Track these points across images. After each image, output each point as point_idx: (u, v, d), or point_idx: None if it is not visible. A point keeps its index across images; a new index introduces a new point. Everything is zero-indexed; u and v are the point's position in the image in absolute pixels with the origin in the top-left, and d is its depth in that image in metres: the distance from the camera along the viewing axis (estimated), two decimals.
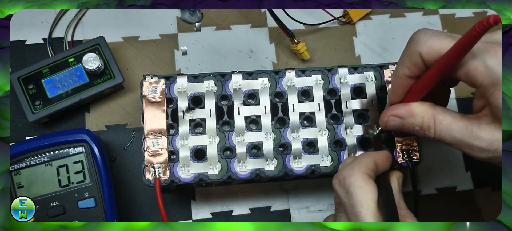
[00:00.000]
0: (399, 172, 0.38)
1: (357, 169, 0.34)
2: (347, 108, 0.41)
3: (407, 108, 0.34)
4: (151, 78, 0.40)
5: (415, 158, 0.39)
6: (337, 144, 0.40)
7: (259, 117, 0.40)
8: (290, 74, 0.41)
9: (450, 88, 0.37)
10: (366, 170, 0.34)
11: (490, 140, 0.31)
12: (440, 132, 0.33)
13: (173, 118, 0.40)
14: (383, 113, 0.36)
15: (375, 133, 0.40)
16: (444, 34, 0.32)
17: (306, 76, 0.41)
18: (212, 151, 0.39)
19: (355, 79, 0.42)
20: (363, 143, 0.40)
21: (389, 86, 0.41)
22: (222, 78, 0.41)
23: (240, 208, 0.45)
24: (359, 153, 0.40)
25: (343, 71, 0.42)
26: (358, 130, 0.40)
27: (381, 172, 0.36)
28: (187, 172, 0.39)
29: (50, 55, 0.47)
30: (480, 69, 0.30)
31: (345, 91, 0.41)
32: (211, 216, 0.45)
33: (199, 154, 0.39)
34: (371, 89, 0.41)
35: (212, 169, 0.39)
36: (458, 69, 0.31)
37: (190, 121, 0.40)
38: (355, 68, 0.42)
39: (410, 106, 0.34)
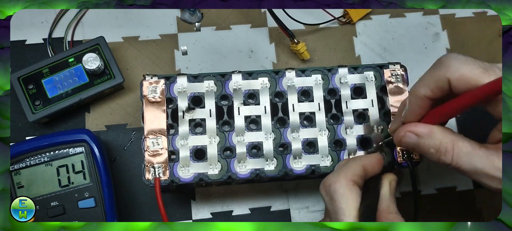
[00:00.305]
0: (392, 175, 0.37)
1: (343, 176, 0.34)
2: (347, 108, 0.41)
3: (428, 128, 0.32)
4: (151, 78, 0.40)
5: (415, 158, 0.39)
6: (337, 144, 0.40)
7: (259, 116, 0.40)
8: (290, 74, 0.41)
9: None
10: (352, 176, 0.34)
11: None
12: (459, 159, 0.31)
13: (173, 118, 0.40)
14: (399, 128, 0.34)
15: (383, 142, 0.39)
16: (476, 63, 0.30)
17: (306, 76, 0.41)
18: (212, 151, 0.39)
19: (355, 79, 0.42)
20: (363, 142, 0.40)
21: (389, 87, 0.41)
22: (222, 78, 0.41)
23: (240, 208, 0.45)
24: (359, 153, 0.40)
25: (343, 71, 0.42)
26: (358, 129, 0.40)
27: (370, 176, 0.35)
28: (187, 172, 0.39)
29: (50, 55, 0.47)
30: None
31: (345, 91, 0.41)
32: (211, 216, 0.45)
33: (199, 154, 0.39)
34: (371, 89, 0.41)
35: (212, 169, 0.39)
36: (488, 104, 0.31)
37: (190, 120, 0.40)
38: (355, 68, 0.42)
39: (430, 126, 0.32)
